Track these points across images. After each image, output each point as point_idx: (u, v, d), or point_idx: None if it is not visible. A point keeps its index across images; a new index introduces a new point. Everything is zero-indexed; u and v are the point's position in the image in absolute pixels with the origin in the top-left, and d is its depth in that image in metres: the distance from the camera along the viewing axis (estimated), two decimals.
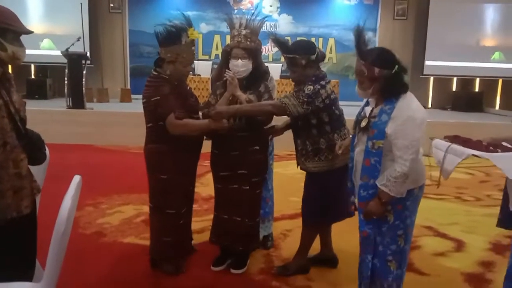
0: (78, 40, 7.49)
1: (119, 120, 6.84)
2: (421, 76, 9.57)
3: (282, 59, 9.72)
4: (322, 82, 2.52)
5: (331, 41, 9.77)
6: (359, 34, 2.10)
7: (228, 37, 2.80)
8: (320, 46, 9.24)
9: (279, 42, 2.56)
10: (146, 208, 3.07)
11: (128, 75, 9.57)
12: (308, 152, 2.62)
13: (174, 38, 2.45)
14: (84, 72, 7.39)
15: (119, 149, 6.42)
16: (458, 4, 9.25)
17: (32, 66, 9.42)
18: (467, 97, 9.62)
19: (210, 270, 2.83)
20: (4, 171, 1.71)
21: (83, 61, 7.39)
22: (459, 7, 9.25)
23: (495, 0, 9.26)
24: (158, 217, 2.71)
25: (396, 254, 2.13)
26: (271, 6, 9.79)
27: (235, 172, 2.69)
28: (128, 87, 9.27)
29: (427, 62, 9.48)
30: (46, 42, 9.17)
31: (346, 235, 2.96)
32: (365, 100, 2.23)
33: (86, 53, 7.71)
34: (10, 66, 1.86)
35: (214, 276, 2.78)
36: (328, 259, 2.93)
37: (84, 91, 7.37)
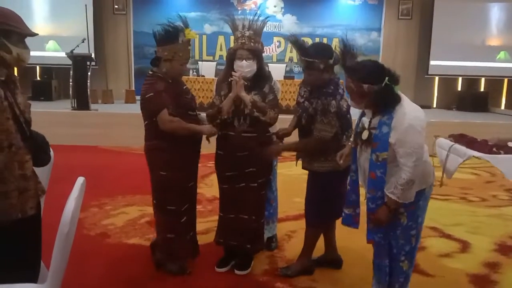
0: (83, 41, 7.53)
1: (123, 121, 6.85)
2: (426, 76, 9.53)
3: (286, 59, 9.65)
4: (341, 91, 2.54)
5: (335, 41, 9.75)
6: (344, 49, 2.09)
7: (232, 38, 2.80)
8: None
9: (299, 44, 2.56)
10: (150, 209, 3.07)
11: (132, 76, 9.61)
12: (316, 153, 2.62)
13: (172, 37, 2.53)
14: (89, 73, 7.43)
15: (123, 150, 6.44)
16: (463, 4, 9.21)
17: (37, 67, 9.47)
18: (472, 97, 9.56)
19: (215, 271, 2.83)
20: (9, 172, 1.72)
21: (88, 63, 7.43)
22: (464, 6, 9.20)
23: None
24: (160, 214, 2.75)
25: (408, 253, 2.16)
26: (275, 6, 9.79)
27: (242, 171, 2.69)
28: (133, 88, 9.30)
29: (432, 62, 9.44)
30: (51, 44, 9.21)
31: (350, 236, 2.94)
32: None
33: (91, 55, 7.75)
34: (15, 68, 1.86)
35: (218, 277, 2.78)
36: (332, 260, 2.93)
37: (89, 92, 7.41)
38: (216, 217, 2.93)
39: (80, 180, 1.79)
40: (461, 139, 1.88)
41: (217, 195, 2.92)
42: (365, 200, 2.15)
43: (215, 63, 9.05)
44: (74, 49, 7.28)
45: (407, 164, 1.96)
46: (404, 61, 9.62)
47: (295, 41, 2.57)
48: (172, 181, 2.64)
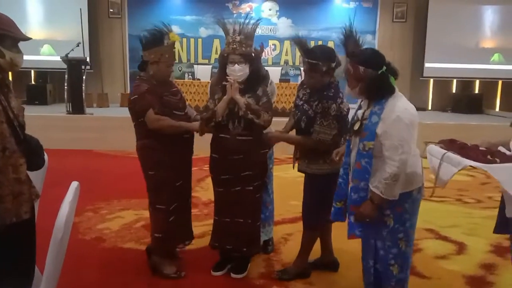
0: (78, 45, 7.51)
1: (119, 125, 6.82)
2: (421, 78, 9.58)
3: (282, 62, 9.66)
4: (341, 95, 2.56)
5: (330, 44, 9.78)
6: (348, 34, 2.11)
7: None
8: None
9: (303, 46, 2.57)
10: (146, 213, 3.06)
11: (127, 80, 9.60)
12: (314, 155, 2.63)
13: (157, 40, 2.64)
14: (84, 77, 7.41)
15: (119, 154, 6.41)
16: (457, 6, 9.27)
17: (32, 71, 9.43)
18: (467, 99, 9.61)
19: (211, 275, 2.82)
20: (4, 176, 1.71)
21: (83, 66, 7.42)
22: (458, 9, 9.26)
23: (494, 2, 9.28)
24: (151, 213, 2.81)
25: (397, 257, 2.12)
26: (270, 9, 9.82)
27: (237, 175, 2.69)
28: (128, 91, 9.28)
29: (426, 64, 9.48)
30: (46, 48, 9.18)
31: (347, 239, 2.94)
32: (358, 103, 2.23)
33: (86, 58, 7.73)
34: (9, 72, 1.86)
35: (214, 281, 2.77)
36: (329, 263, 2.92)
37: (84, 96, 7.39)
38: (212, 221, 2.92)
39: (74, 184, 1.78)
40: (451, 145, 1.83)
41: (213, 199, 2.91)
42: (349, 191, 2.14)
43: (211, 66, 9.06)
44: (69, 53, 7.27)
45: (392, 157, 1.95)
46: (399, 63, 9.55)
47: (299, 42, 2.58)
48: (160, 180, 2.70)
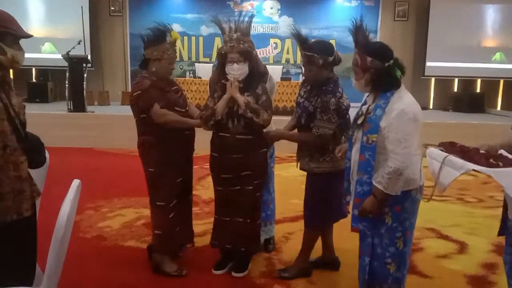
0: (79, 43, 7.51)
1: (120, 123, 6.82)
2: (422, 77, 9.55)
3: (283, 60, 9.63)
4: (340, 90, 2.57)
5: (332, 43, 9.76)
6: (358, 27, 2.12)
7: None
8: None
9: (300, 38, 2.59)
10: (147, 212, 3.06)
11: (129, 78, 9.58)
12: (314, 152, 2.62)
13: (160, 37, 2.67)
14: (85, 75, 7.41)
15: (120, 152, 6.41)
16: (459, 5, 9.24)
17: (33, 69, 9.42)
18: (468, 98, 9.59)
19: (212, 274, 2.82)
20: (4, 174, 1.71)
21: (84, 64, 7.41)
22: (459, 8, 9.23)
23: (495, 1, 9.25)
24: (152, 210, 2.82)
25: (395, 256, 2.11)
26: (271, 8, 9.80)
27: (237, 174, 2.68)
28: (129, 90, 9.25)
29: (428, 63, 9.46)
30: (47, 46, 9.17)
31: (348, 238, 2.94)
32: (363, 99, 2.23)
33: (87, 56, 7.73)
34: (10, 70, 1.85)
35: (215, 280, 2.77)
36: (330, 262, 2.92)
37: (85, 94, 7.38)
38: (213, 219, 2.91)
39: (76, 182, 1.77)
40: (452, 148, 1.78)
41: (214, 197, 2.91)
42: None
43: (212, 64, 9.05)
44: (70, 51, 7.26)
45: (395, 151, 1.94)
46: None
47: (297, 35, 2.59)
48: (160, 177, 2.71)
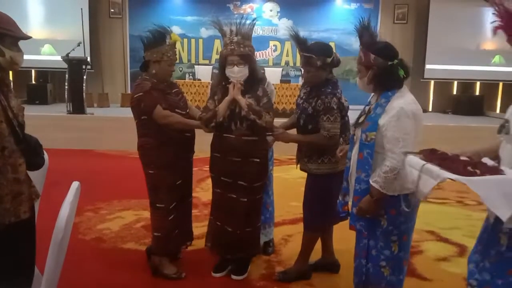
0: (79, 45, 7.51)
1: (119, 125, 6.82)
2: (421, 80, 9.57)
3: (283, 63, 9.64)
4: (339, 91, 2.59)
5: (331, 45, 9.77)
6: (365, 26, 2.13)
7: None
8: None
9: (298, 39, 2.60)
10: (146, 214, 3.06)
11: (128, 79, 9.59)
12: (313, 153, 2.62)
13: (160, 39, 2.68)
14: (85, 77, 7.41)
15: (119, 154, 6.41)
16: (458, 8, 9.26)
17: (33, 71, 9.43)
18: (467, 100, 9.60)
19: (211, 277, 2.81)
20: (3, 176, 1.70)
21: (84, 66, 7.42)
22: (459, 10, 9.25)
23: None
24: (151, 212, 2.82)
25: (389, 260, 2.10)
26: (271, 10, 9.82)
27: (235, 180, 2.68)
28: (129, 91, 9.28)
29: (427, 66, 9.48)
30: (46, 48, 9.18)
31: (347, 240, 2.93)
32: (368, 100, 2.23)
33: (87, 58, 7.73)
34: (10, 72, 1.85)
35: (215, 283, 2.76)
36: (329, 265, 2.91)
37: (84, 96, 7.39)
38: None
39: (75, 184, 1.77)
40: (432, 155, 1.74)
41: None
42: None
43: (211, 66, 9.05)
44: (69, 53, 7.27)
45: (392, 150, 1.94)
46: None
47: (296, 36, 2.59)
48: (159, 179, 2.71)
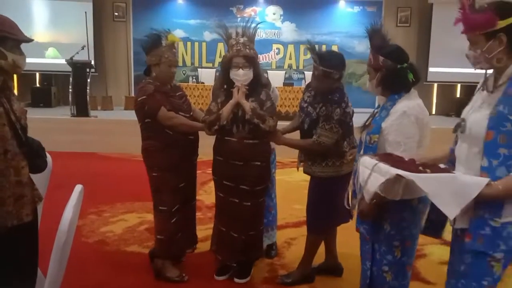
0: (83, 48, 7.55)
1: (123, 128, 6.83)
2: (424, 83, 9.55)
3: (286, 66, 9.59)
4: (346, 99, 2.58)
5: (334, 48, 9.77)
6: (376, 29, 2.12)
7: None
8: None
9: (317, 53, 2.57)
10: (149, 216, 3.06)
11: (132, 83, 9.61)
12: (316, 156, 2.61)
13: (156, 42, 2.69)
14: (89, 80, 7.45)
15: (123, 157, 6.42)
16: None
17: (37, 74, 9.47)
18: None
19: (214, 280, 2.80)
20: (5, 179, 1.70)
21: (88, 69, 7.45)
22: None
23: None
24: (155, 214, 2.83)
25: (392, 265, 2.06)
26: (274, 14, 9.83)
27: (237, 185, 2.68)
28: (132, 95, 9.27)
29: (430, 69, 9.46)
30: (50, 51, 9.22)
31: (351, 243, 2.92)
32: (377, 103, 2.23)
33: (91, 62, 7.76)
34: (14, 75, 1.86)
35: (217, 286, 2.76)
36: (333, 268, 2.91)
37: (88, 99, 7.42)
38: None
39: (78, 188, 1.77)
40: (386, 158, 1.74)
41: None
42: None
43: (215, 70, 9.08)
44: (73, 56, 7.30)
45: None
46: None
47: (314, 49, 2.57)
48: (163, 182, 2.72)
